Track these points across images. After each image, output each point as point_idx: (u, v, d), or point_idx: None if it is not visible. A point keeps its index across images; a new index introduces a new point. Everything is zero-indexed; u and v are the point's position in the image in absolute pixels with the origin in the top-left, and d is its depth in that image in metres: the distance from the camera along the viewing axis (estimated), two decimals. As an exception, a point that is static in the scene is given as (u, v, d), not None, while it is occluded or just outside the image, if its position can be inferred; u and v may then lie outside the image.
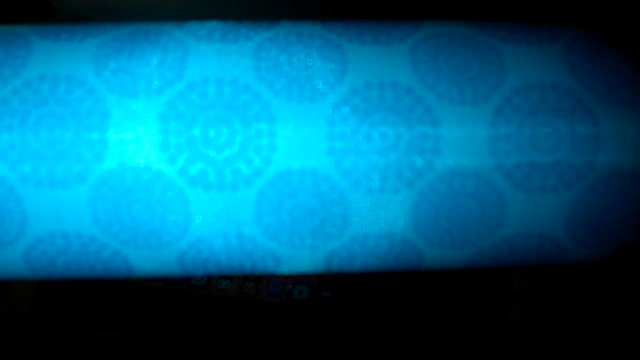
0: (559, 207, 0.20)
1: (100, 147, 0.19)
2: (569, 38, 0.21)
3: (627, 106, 0.20)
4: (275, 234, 0.20)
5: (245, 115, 0.19)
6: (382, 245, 0.21)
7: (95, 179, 0.19)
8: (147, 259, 0.21)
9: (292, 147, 0.19)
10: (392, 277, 0.45)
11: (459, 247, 0.21)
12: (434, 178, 0.20)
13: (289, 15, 0.23)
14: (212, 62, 0.20)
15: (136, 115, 0.19)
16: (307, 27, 0.21)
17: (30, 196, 0.19)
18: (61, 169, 0.19)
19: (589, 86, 0.20)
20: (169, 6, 0.36)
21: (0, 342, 0.43)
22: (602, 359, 0.37)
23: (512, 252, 0.21)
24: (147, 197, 0.19)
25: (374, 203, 0.20)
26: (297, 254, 0.21)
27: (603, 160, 0.20)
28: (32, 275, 0.21)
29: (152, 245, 0.20)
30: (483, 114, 0.20)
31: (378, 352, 0.43)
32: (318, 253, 0.21)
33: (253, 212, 0.20)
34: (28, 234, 0.20)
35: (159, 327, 0.44)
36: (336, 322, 0.44)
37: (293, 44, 0.21)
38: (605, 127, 0.20)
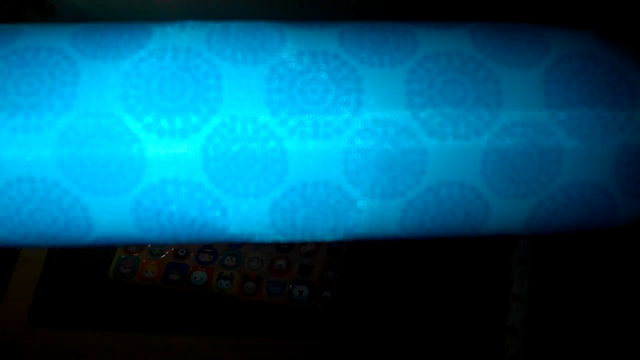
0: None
1: (68, 98, 0.22)
2: (475, 24, 0.24)
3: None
4: (221, 180, 0.22)
5: (196, 74, 0.22)
6: (319, 193, 0.23)
7: (62, 125, 0.21)
8: (104, 208, 0.22)
9: (235, 97, 0.22)
10: (391, 277, 0.45)
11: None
12: (361, 122, 0.22)
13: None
14: (171, 34, 0.23)
15: (102, 73, 0.22)
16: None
17: (1, 142, 0.21)
18: (34, 115, 0.21)
19: (489, 54, 0.23)
20: (168, 7, 0.36)
21: (0, 342, 0.43)
22: (602, 358, 0.37)
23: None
24: (107, 142, 0.22)
25: (311, 150, 0.22)
26: (241, 202, 0.23)
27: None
28: None
29: (109, 192, 0.22)
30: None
31: (378, 352, 0.43)
32: (261, 202, 0.23)
33: (200, 158, 0.22)
34: None
35: (159, 327, 0.44)
36: (336, 322, 0.44)
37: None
38: None
